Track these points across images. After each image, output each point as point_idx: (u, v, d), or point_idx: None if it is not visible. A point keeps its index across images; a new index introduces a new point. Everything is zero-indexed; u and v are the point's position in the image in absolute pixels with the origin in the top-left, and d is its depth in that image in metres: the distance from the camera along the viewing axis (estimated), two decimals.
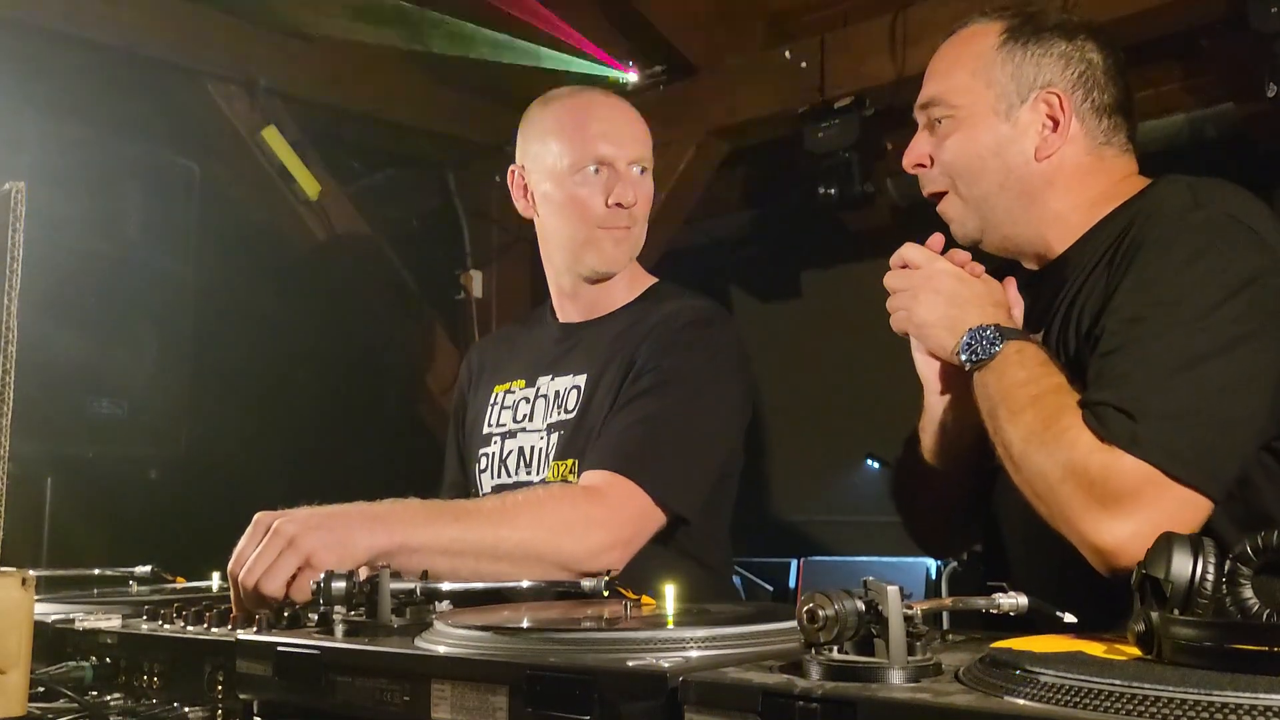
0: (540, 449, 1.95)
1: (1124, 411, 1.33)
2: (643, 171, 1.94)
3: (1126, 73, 1.65)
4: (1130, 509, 1.31)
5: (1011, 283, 1.64)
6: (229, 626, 1.36)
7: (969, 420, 1.56)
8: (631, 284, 2.04)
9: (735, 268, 5.59)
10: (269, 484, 4.49)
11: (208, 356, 3.98)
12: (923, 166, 1.69)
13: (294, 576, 1.47)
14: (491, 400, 2.08)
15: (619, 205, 1.91)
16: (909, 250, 1.63)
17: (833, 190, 3.99)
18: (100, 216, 3.50)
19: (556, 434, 1.93)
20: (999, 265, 1.72)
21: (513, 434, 2.01)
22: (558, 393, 1.97)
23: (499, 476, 2.01)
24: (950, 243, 1.67)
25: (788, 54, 4.02)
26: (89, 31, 3.57)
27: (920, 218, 5.38)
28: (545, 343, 2.08)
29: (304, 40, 4.22)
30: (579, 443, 1.88)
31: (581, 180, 1.92)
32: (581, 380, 1.94)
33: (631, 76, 4.36)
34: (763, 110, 4.14)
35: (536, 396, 2.00)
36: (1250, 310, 1.38)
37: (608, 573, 1.43)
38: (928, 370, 1.65)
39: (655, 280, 2.09)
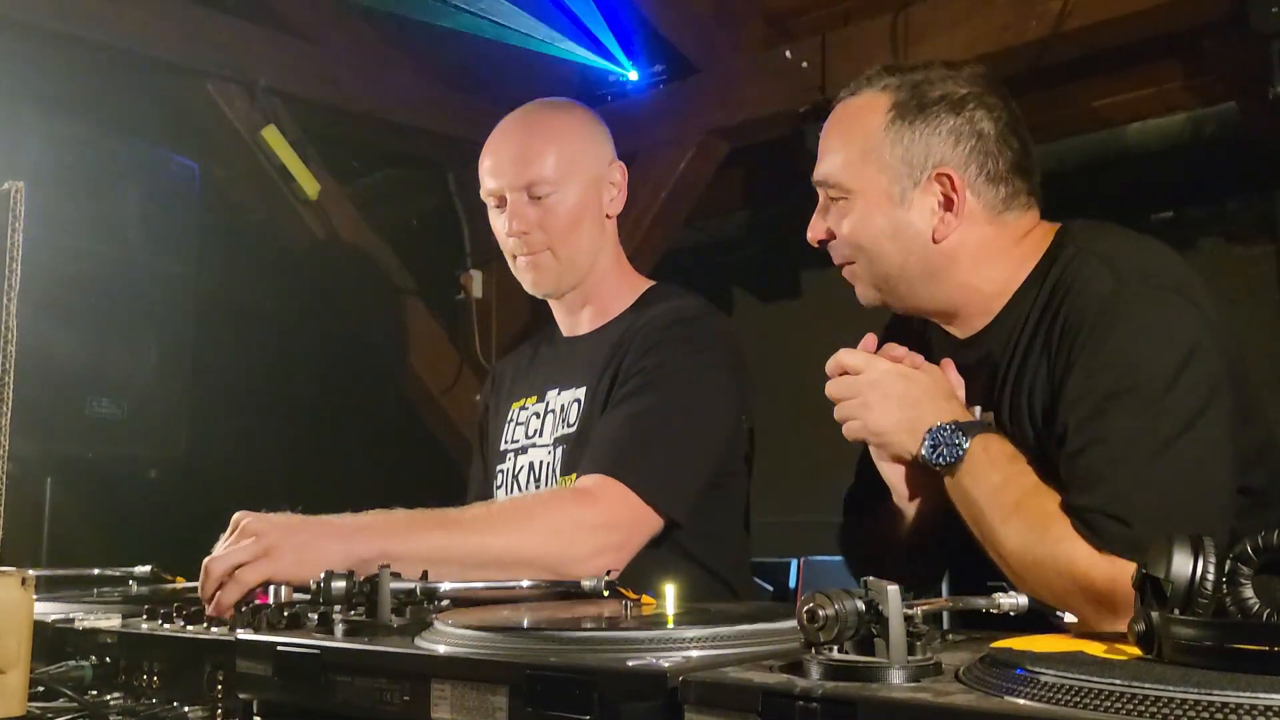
0: (548, 463, 1.95)
1: (1114, 517, 1.35)
2: (539, 198, 1.92)
3: (1021, 125, 1.63)
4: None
5: (949, 365, 1.62)
6: (254, 626, 1.35)
7: (939, 504, 1.55)
8: (624, 289, 2.06)
9: (735, 268, 5.58)
10: (269, 484, 4.49)
11: (208, 356, 3.97)
12: (826, 242, 1.69)
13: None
14: (509, 417, 2.10)
15: (507, 232, 1.94)
16: (846, 356, 1.62)
17: None
18: (100, 216, 3.50)
19: (562, 448, 1.94)
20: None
21: (524, 449, 2.02)
22: (563, 406, 1.98)
23: (512, 492, 2.02)
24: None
25: (788, 54, 4.02)
26: (89, 31, 3.56)
27: None
28: (553, 357, 2.10)
29: (304, 40, 4.22)
30: (579, 456, 1.87)
31: (494, 214, 1.98)
32: (581, 393, 1.95)
33: (632, 76, 4.36)
34: (763, 110, 4.13)
35: (546, 411, 2.01)
36: (1199, 379, 1.42)
37: (608, 573, 1.43)
38: (892, 474, 1.61)
39: (651, 284, 2.10)
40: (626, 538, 1.72)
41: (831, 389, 1.64)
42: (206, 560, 1.51)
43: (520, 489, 1.99)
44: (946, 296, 1.63)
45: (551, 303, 2.09)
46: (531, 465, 1.99)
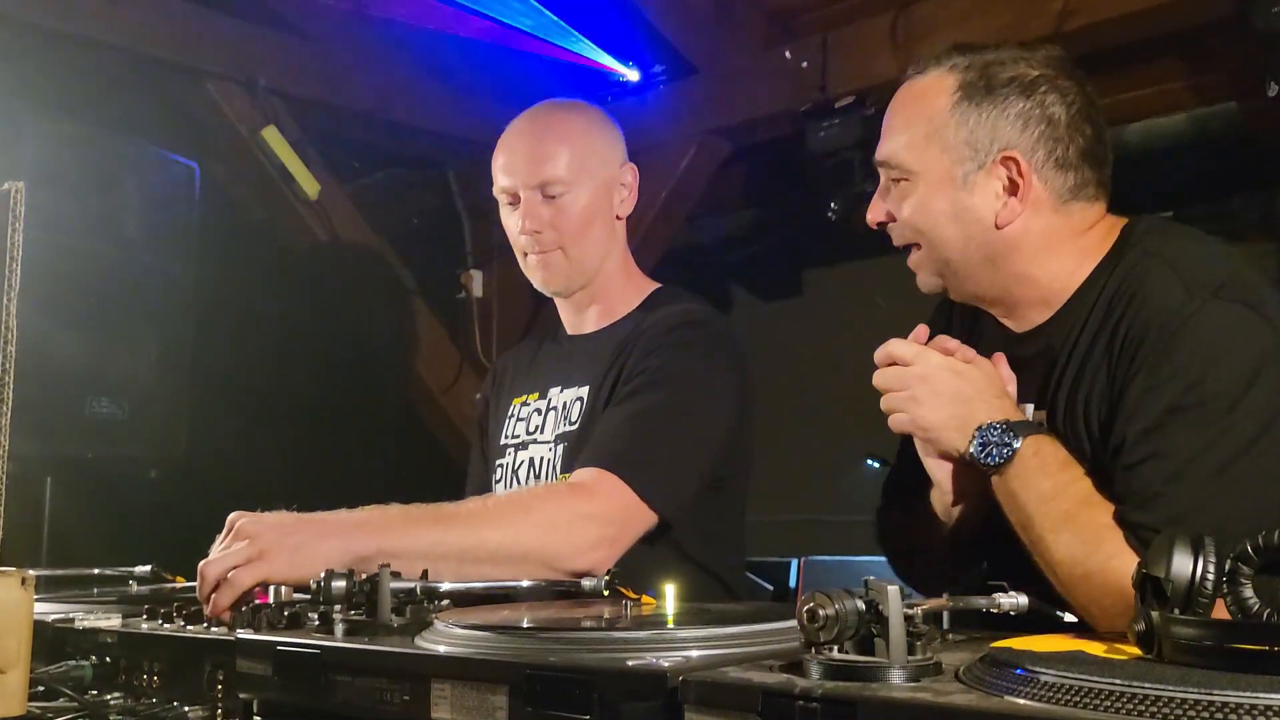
0: (549, 460, 1.96)
1: None
2: (552, 197, 1.94)
3: (1096, 112, 1.59)
4: None
5: (1002, 360, 1.58)
6: (254, 626, 1.35)
7: (984, 503, 1.53)
8: (630, 290, 2.07)
9: (735, 268, 5.58)
10: (269, 484, 4.48)
11: (208, 356, 3.97)
12: (885, 224, 1.66)
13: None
14: (510, 413, 2.11)
15: (520, 231, 1.96)
16: (896, 347, 1.59)
17: (833, 189, 3.98)
18: (100, 216, 3.49)
19: (563, 445, 1.95)
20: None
21: (524, 445, 2.03)
22: (565, 404, 1.99)
23: (511, 486, 2.03)
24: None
25: (789, 53, 4.02)
26: (89, 31, 3.56)
27: None
28: (556, 355, 2.11)
29: (304, 40, 4.22)
30: (580, 454, 1.87)
31: (506, 211, 1.99)
32: (585, 391, 1.96)
33: (632, 76, 4.36)
34: (763, 110, 4.13)
35: (548, 408, 2.02)
36: (1264, 398, 1.38)
37: (608, 572, 1.43)
38: (938, 470, 1.58)
39: (657, 286, 2.10)
40: (620, 532, 1.72)
41: (879, 379, 1.60)
42: (201, 564, 1.50)
43: (520, 484, 2.00)
44: (1006, 286, 1.60)
45: (558, 301, 2.10)
46: (532, 461, 1.99)
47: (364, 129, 4.52)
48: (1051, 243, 1.57)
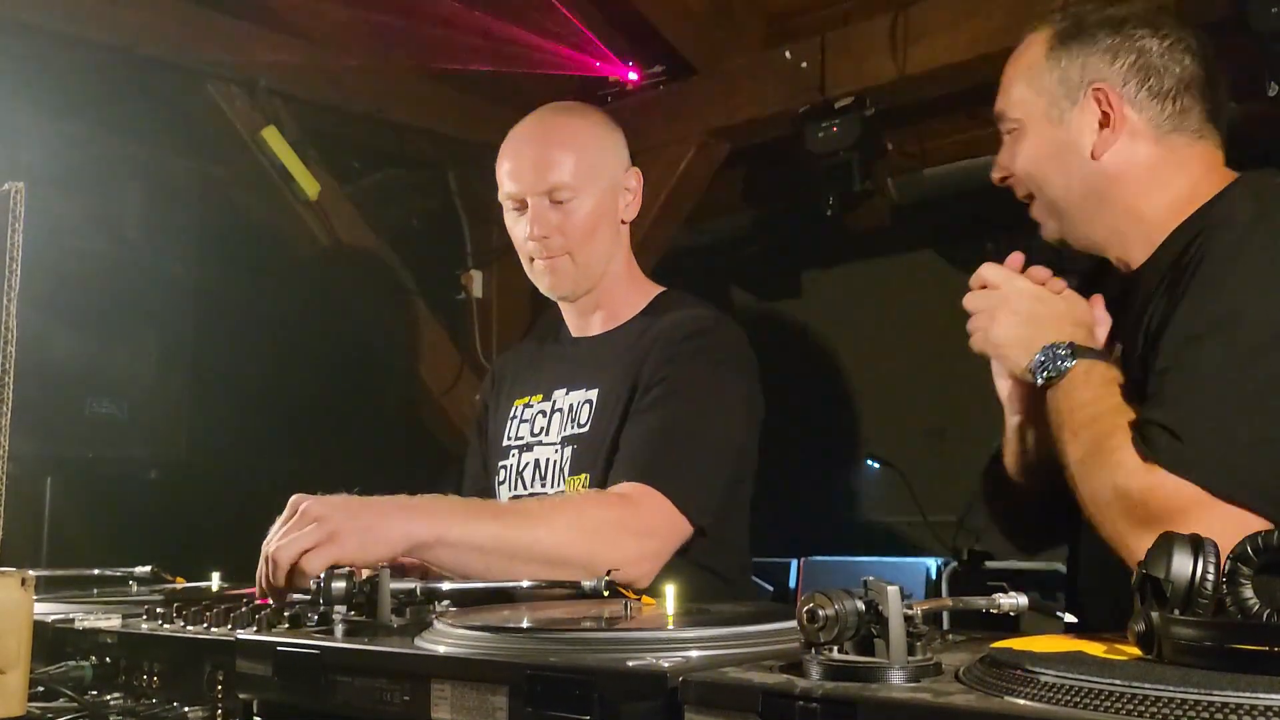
0: (555, 462, 1.97)
1: (1170, 431, 1.34)
2: (560, 202, 1.95)
3: (1203, 50, 1.62)
4: (1173, 529, 1.20)
5: (1098, 300, 1.64)
6: (254, 626, 1.35)
7: (1047, 440, 1.55)
8: (635, 294, 2.08)
9: (735, 268, 5.58)
10: (269, 484, 4.48)
11: (208, 356, 3.98)
12: (1006, 178, 1.73)
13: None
14: (511, 414, 2.11)
15: (527, 237, 1.97)
16: (987, 270, 1.64)
17: (833, 190, 3.99)
18: (100, 216, 3.50)
19: (571, 447, 1.96)
20: (1093, 266, 1.75)
21: (529, 447, 2.03)
22: (571, 406, 1.99)
23: (515, 489, 2.03)
24: (1051, 258, 1.70)
25: (788, 54, 4.01)
26: (89, 31, 3.56)
27: (920, 218, 5.39)
28: (559, 357, 2.11)
29: (304, 40, 4.22)
30: (592, 457, 1.90)
31: (513, 217, 2.00)
32: (594, 395, 1.97)
33: (632, 76, 4.36)
34: (763, 110, 4.13)
35: (553, 410, 2.02)
36: None
37: (608, 572, 1.44)
38: (1005, 391, 1.65)
39: (662, 289, 2.11)
40: (663, 545, 1.75)
41: (968, 301, 1.65)
42: (271, 549, 1.47)
43: (525, 485, 2.00)
44: (1114, 223, 1.64)
45: (562, 304, 2.11)
46: (537, 462, 2.00)
47: (364, 129, 4.52)
48: (1154, 175, 1.60)
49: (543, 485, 1.98)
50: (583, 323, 2.09)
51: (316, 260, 4.35)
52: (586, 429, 1.94)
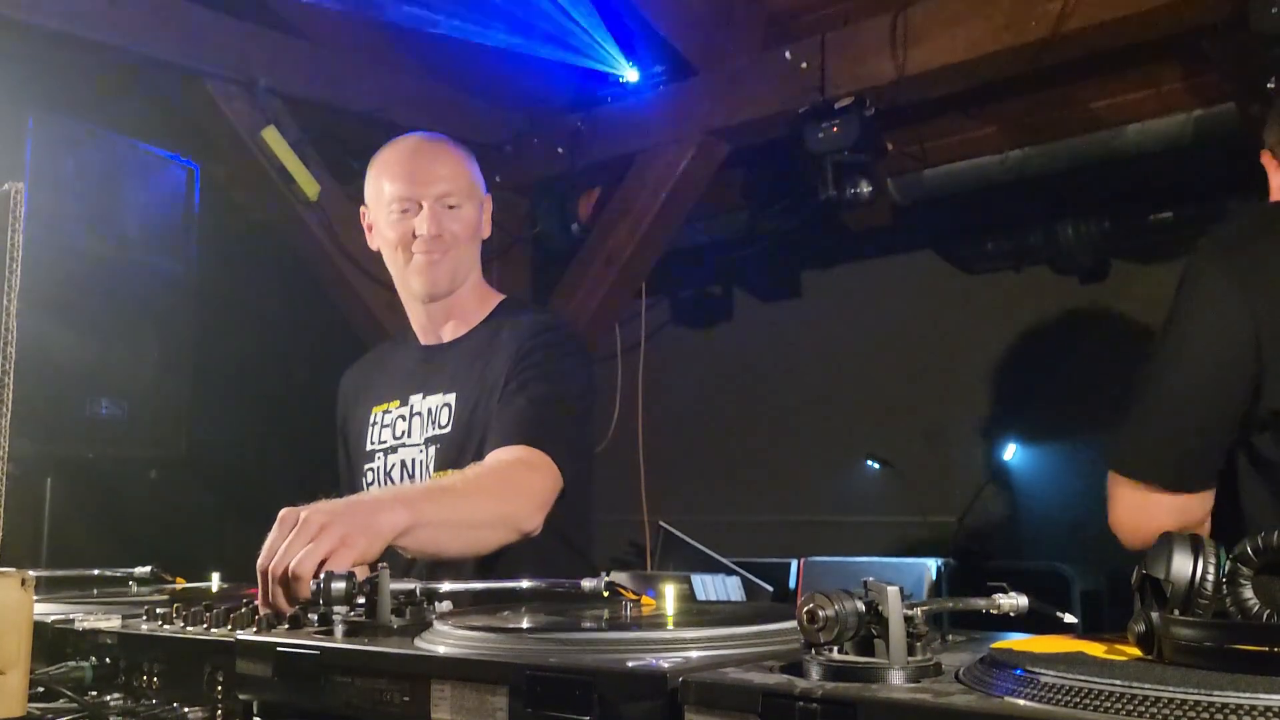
0: (420, 460, 2.15)
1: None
2: (450, 208, 2.16)
3: None
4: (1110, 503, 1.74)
5: None
6: (254, 626, 1.35)
7: None
8: (482, 302, 2.27)
9: (735, 268, 5.59)
10: (269, 484, 4.50)
11: (208, 356, 3.98)
12: None
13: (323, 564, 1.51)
14: (371, 420, 2.29)
15: (424, 235, 2.14)
16: None
17: (833, 190, 3.99)
18: (100, 216, 3.50)
19: (434, 447, 2.13)
20: None
21: (394, 449, 2.21)
22: (430, 410, 2.18)
23: (383, 486, 2.20)
24: None
25: (788, 54, 4.02)
26: (89, 31, 3.56)
27: (921, 218, 5.38)
28: (412, 364, 2.30)
29: (304, 40, 4.22)
30: (456, 454, 2.08)
31: (395, 218, 2.15)
32: (452, 398, 2.15)
33: (632, 76, 4.36)
34: (763, 110, 4.13)
35: (411, 414, 2.22)
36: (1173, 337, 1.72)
37: (608, 572, 1.44)
38: None
39: (503, 297, 2.32)
40: (551, 496, 1.94)
41: None
42: (292, 565, 1.48)
43: (394, 484, 2.18)
44: None
45: (415, 312, 2.29)
46: (403, 463, 2.18)
47: (364, 129, 4.52)
48: None
49: (411, 482, 2.15)
50: (434, 330, 2.27)
51: (316, 260, 4.35)
52: (448, 430, 2.12)
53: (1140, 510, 1.68)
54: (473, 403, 2.11)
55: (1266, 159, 2.00)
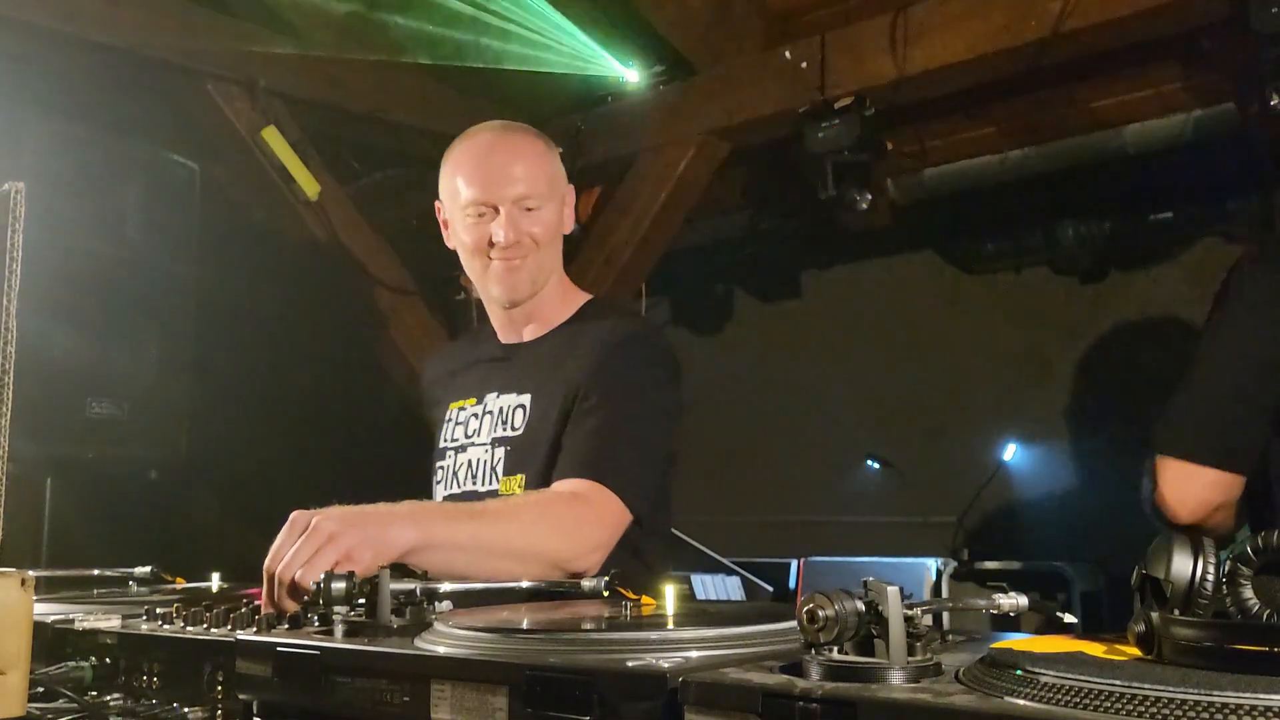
0: (485, 461, 2.08)
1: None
2: (529, 210, 2.05)
3: None
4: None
5: None
6: (254, 626, 1.35)
7: None
8: (565, 302, 2.18)
9: (735, 268, 5.59)
10: (269, 484, 4.49)
11: (208, 357, 3.98)
12: None
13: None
14: (447, 418, 2.22)
15: (501, 242, 2.04)
16: None
17: (833, 190, 3.99)
18: (100, 216, 3.50)
19: (502, 449, 2.06)
20: None
21: (463, 448, 2.14)
22: (503, 409, 2.10)
23: (450, 487, 2.13)
24: None
25: (788, 54, 4.02)
26: (89, 31, 3.56)
27: (921, 218, 5.38)
28: (491, 362, 2.22)
29: (304, 40, 4.22)
30: (528, 458, 2.00)
31: (470, 223, 2.06)
32: (526, 399, 2.07)
33: (632, 76, 4.36)
34: (763, 110, 4.13)
35: (484, 413, 2.13)
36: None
37: (608, 572, 1.44)
38: None
39: (589, 297, 2.23)
40: (612, 535, 1.86)
41: None
42: (298, 576, 1.49)
43: (459, 485, 2.11)
44: None
45: (495, 311, 2.21)
46: (470, 463, 2.10)
47: (364, 129, 4.52)
48: None
49: (474, 483, 2.07)
50: (516, 329, 2.19)
51: (316, 260, 4.35)
52: (520, 432, 2.04)
53: (1186, 482, 1.90)
54: (547, 407, 2.01)
55: None
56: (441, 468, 2.17)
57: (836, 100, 3.89)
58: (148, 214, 3.63)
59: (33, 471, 3.36)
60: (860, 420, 5.14)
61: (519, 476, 1.99)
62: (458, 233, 2.11)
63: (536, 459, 1.97)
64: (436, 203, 2.16)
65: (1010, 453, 4.78)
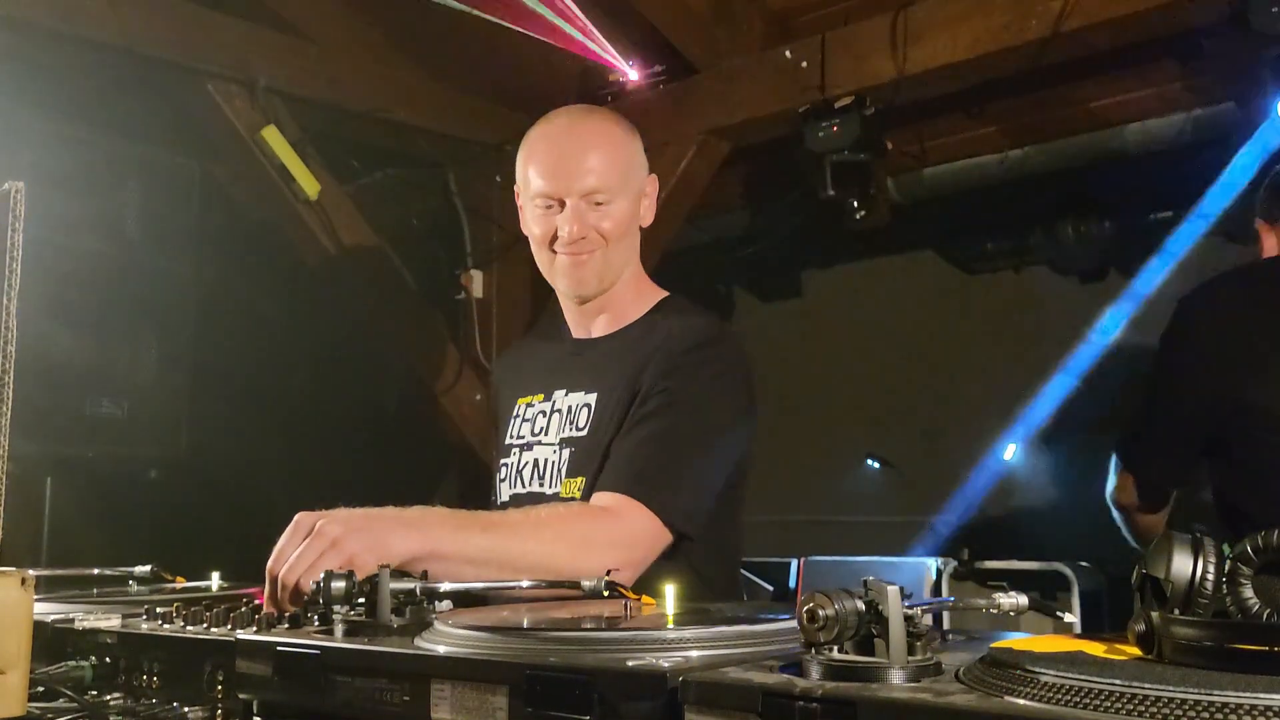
0: (553, 462, 1.99)
1: None
2: (598, 204, 1.95)
3: None
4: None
5: None
6: (254, 626, 1.35)
7: None
8: (640, 298, 2.08)
9: (735, 268, 5.58)
10: (269, 484, 4.50)
11: (208, 356, 3.98)
12: None
13: None
14: (514, 413, 2.13)
15: (565, 237, 1.96)
16: None
17: (833, 190, 3.98)
18: (100, 216, 3.50)
19: (569, 449, 1.98)
20: None
21: (529, 446, 2.05)
22: (570, 408, 2.01)
23: (515, 486, 2.06)
24: None
25: (788, 53, 4.02)
26: (89, 31, 3.56)
27: (920, 218, 5.38)
28: (561, 357, 2.12)
29: (304, 40, 4.22)
30: (589, 460, 1.92)
31: (539, 215, 1.98)
32: (592, 398, 1.98)
33: (632, 76, 4.36)
34: (763, 110, 4.13)
35: (552, 410, 2.05)
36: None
37: (608, 572, 1.44)
38: None
39: (665, 294, 2.12)
40: (644, 555, 1.78)
41: None
42: (284, 572, 1.48)
43: (524, 484, 2.03)
44: None
45: (566, 304, 2.11)
46: (536, 462, 2.02)
47: (364, 129, 4.52)
48: None
49: (541, 484, 2.00)
50: (586, 324, 2.10)
51: (316, 260, 4.35)
52: (584, 433, 1.96)
53: (1127, 489, 2.45)
54: (611, 407, 1.93)
55: (1262, 226, 2.47)
56: (506, 464, 2.09)
57: (836, 100, 3.89)
58: (148, 214, 3.63)
59: (33, 471, 3.36)
60: (860, 420, 5.14)
61: (580, 479, 1.92)
62: (528, 222, 2.02)
63: (596, 462, 1.89)
64: (515, 186, 2.06)
65: (1010, 453, 4.78)
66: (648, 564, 1.78)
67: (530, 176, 1.98)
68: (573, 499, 1.91)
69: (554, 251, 1.98)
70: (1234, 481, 2.24)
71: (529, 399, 2.12)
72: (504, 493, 2.09)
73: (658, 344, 1.95)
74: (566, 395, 2.03)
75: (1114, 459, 2.47)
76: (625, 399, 1.91)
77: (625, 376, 1.94)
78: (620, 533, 1.76)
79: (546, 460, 2.00)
